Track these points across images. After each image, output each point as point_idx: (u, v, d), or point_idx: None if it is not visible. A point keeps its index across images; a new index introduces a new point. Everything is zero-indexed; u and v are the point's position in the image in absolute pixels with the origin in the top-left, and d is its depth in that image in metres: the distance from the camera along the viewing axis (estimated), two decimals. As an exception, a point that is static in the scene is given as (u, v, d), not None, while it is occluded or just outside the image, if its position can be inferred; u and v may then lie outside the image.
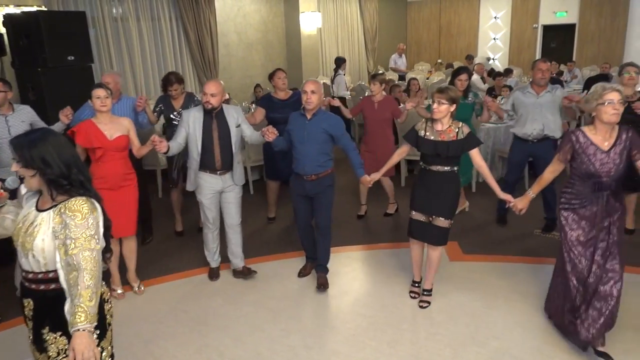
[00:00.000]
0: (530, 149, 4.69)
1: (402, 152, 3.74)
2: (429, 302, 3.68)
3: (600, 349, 2.91)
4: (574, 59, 12.66)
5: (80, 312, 1.78)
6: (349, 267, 4.36)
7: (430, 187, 3.47)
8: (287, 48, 10.74)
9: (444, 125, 3.40)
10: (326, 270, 4.07)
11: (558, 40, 13.62)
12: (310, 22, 10.54)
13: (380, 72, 5.26)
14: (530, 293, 3.74)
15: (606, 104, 2.77)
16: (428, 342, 3.25)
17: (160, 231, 5.19)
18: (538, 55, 13.70)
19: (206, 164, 3.89)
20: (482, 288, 3.87)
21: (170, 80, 4.76)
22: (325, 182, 3.84)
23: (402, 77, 11.01)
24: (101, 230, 1.95)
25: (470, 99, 4.92)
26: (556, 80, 9.28)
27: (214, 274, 4.24)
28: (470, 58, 11.78)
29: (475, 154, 3.43)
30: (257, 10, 10.00)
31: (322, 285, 3.97)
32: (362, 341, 3.30)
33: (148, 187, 5.06)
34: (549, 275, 3.99)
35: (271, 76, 5.14)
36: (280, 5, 10.52)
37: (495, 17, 14.30)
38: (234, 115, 3.94)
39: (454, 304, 3.68)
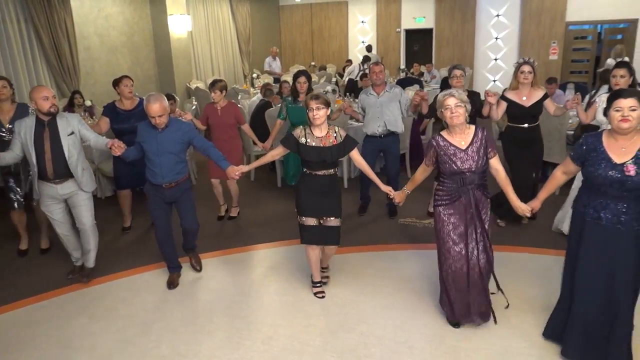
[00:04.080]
0: (378, 144, 5.09)
1: (277, 154, 3.79)
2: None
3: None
4: (433, 60, 13.82)
5: None
6: (222, 270, 4.34)
7: (318, 191, 3.55)
8: (156, 51, 10.35)
9: (323, 131, 3.47)
10: (195, 246, 4.35)
11: (419, 44, 14.75)
12: (179, 24, 10.26)
13: (218, 79, 5.33)
14: (394, 277, 4.05)
15: (445, 109, 3.07)
16: (301, 334, 3.38)
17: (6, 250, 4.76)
18: (403, 58, 14.72)
19: (41, 173, 3.82)
20: (352, 278, 4.09)
21: None
22: (184, 186, 3.91)
23: (277, 80, 11.19)
24: None
25: None
26: (416, 80, 10.10)
27: (82, 273, 4.23)
28: (369, 49, 13.14)
29: (354, 154, 3.58)
30: (120, 12, 9.51)
31: (198, 264, 4.33)
32: (236, 342, 3.32)
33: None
34: (410, 260, 4.36)
35: (117, 83, 4.83)
36: (146, 7, 10.11)
37: (362, 22, 15.08)
38: (69, 123, 3.85)
39: (327, 295, 3.84)
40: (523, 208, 3.09)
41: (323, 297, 3.81)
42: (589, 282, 2.77)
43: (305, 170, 3.59)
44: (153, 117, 3.60)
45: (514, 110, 4.54)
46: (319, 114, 3.39)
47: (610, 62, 11.29)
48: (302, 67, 14.22)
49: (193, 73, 11.34)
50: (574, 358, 2.90)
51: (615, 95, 2.63)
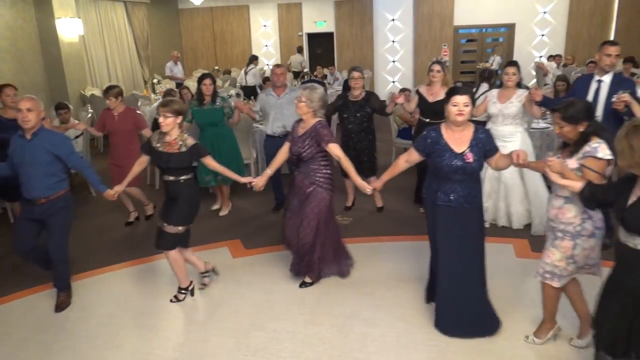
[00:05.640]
0: (279, 144, 5.13)
1: (142, 162, 3.73)
2: (178, 299, 3.81)
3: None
4: (335, 63, 14.23)
5: None
6: (126, 283, 4.18)
7: (167, 195, 3.64)
8: (44, 57, 9.65)
9: (171, 137, 3.51)
10: (66, 287, 3.85)
11: (322, 47, 15.10)
12: (69, 28, 9.66)
13: (113, 85, 5.21)
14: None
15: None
16: (213, 336, 3.36)
17: None
18: (306, 61, 14.98)
19: None
20: (263, 277, 4.13)
21: None
22: (57, 204, 3.61)
23: (180, 85, 10.91)
24: None
25: (219, 103, 5.16)
26: (320, 82, 10.34)
27: None
28: (299, 50, 13.98)
29: (208, 162, 3.64)
30: (1, 16, 8.77)
31: (60, 306, 3.76)
32: (146, 352, 3.24)
33: None
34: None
35: None
36: (31, 10, 9.40)
37: (264, 26, 15.15)
38: None
39: (237, 297, 3.86)
40: (364, 186, 3.53)
41: (173, 302, 3.79)
42: (448, 257, 3.14)
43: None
44: (21, 109, 3.40)
45: (421, 105, 4.93)
46: (165, 121, 3.44)
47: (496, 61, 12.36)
48: (205, 72, 13.98)
49: (87, 79, 10.74)
50: (445, 330, 3.25)
51: (452, 91, 3.02)
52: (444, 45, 13.73)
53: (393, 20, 13.99)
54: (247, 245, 4.78)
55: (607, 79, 4.04)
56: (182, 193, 3.57)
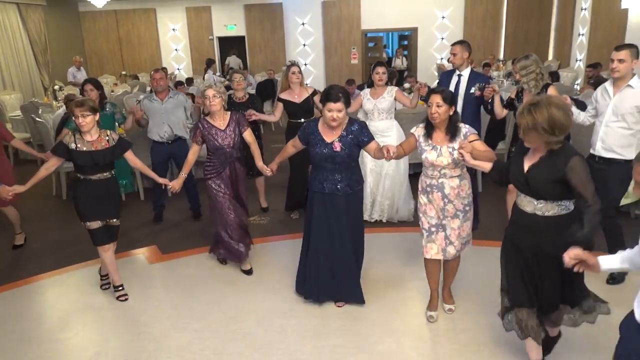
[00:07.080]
0: (168, 150, 5.15)
1: (52, 165, 3.63)
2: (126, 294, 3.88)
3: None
4: (248, 67, 14.24)
5: None
6: (36, 299, 4.01)
7: (98, 195, 3.59)
8: None
9: (94, 135, 3.53)
10: None
11: (234, 51, 15.04)
12: (-46, 32, 8.92)
13: None
14: (224, 273, 4.20)
15: (205, 98, 3.87)
16: (133, 342, 3.33)
17: None
18: (219, 65, 14.85)
19: None
20: (182, 280, 4.13)
21: None
22: None
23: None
24: None
25: (108, 109, 5.01)
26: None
27: None
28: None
29: (129, 155, 3.71)
30: None
31: None
32: (61, 365, 3.15)
33: None
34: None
35: None
36: None
37: (173, 29, 14.83)
38: None
39: (155, 302, 3.83)
40: (264, 168, 3.85)
41: (126, 299, 3.84)
42: (319, 238, 3.48)
43: (79, 175, 3.60)
44: None
45: (290, 108, 5.04)
46: (85, 120, 3.45)
47: (399, 63, 13.04)
48: (111, 77, 13.42)
49: (-21, 87, 9.94)
50: (311, 298, 3.64)
51: (326, 98, 3.27)
52: (353, 48, 14.23)
53: (303, 24, 14.28)
54: (164, 250, 4.73)
55: (465, 73, 4.59)
56: (115, 187, 3.74)
